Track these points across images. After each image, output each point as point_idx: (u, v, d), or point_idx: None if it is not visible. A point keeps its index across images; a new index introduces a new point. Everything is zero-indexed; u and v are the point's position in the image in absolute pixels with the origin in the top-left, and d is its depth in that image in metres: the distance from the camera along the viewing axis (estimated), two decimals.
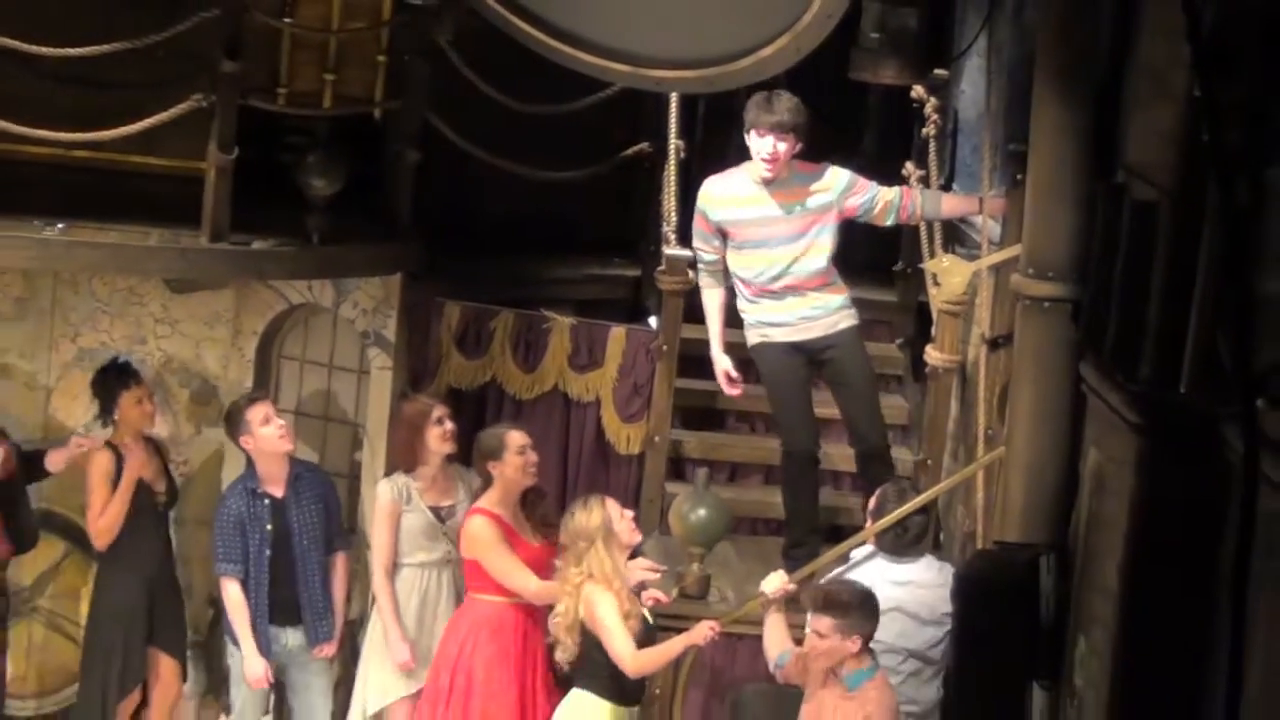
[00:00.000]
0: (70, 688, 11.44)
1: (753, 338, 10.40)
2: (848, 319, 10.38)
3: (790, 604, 9.64)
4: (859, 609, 9.04)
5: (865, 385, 10.52)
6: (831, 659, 9.09)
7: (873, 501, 10.02)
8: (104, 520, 10.95)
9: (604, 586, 9.74)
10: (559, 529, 10.11)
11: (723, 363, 10.55)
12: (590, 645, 9.77)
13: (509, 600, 10.35)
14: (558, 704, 9.98)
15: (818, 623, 9.08)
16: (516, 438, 10.46)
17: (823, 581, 9.47)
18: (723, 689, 10.35)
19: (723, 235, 10.32)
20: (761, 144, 10.13)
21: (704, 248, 10.42)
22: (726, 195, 10.30)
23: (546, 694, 10.25)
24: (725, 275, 10.42)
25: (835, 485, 11.25)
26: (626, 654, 9.70)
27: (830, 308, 10.32)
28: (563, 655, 9.88)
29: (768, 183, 10.20)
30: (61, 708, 11.57)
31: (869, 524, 9.92)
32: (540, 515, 10.53)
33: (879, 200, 10.25)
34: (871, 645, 9.23)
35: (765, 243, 10.23)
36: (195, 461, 11.60)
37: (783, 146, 10.08)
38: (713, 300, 10.50)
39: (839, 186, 10.23)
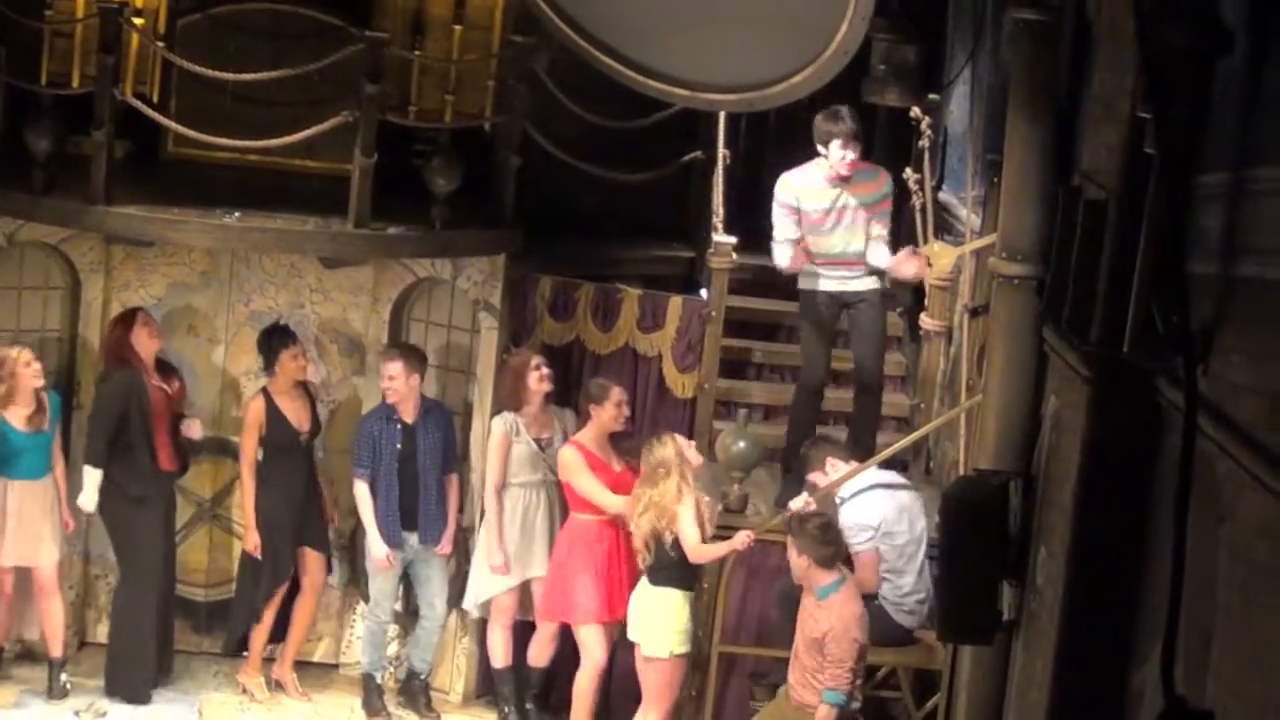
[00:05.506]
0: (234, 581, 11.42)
1: (804, 282, 10.33)
2: (877, 283, 10.31)
3: None
4: (810, 536, 9.08)
5: (876, 334, 10.46)
6: (796, 571, 9.13)
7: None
8: (245, 470, 10.99)
9: (685, 495, 9.86)
10: (638, 458, 10.20)
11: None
12: (664, 550, 9.86)
13: (599, 517, 10.44)
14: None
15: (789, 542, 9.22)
16: (618, 393, 10.54)
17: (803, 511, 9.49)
18: (760, 582, 10.38)
19: (799, 215, 10.22)
20: (840, 151, 10.05)
21: (787, 227, 10.21)
22: (805, 187, 10.18)
23: (630, 586, 10.29)
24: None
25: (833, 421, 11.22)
26: (694, 543, 9.79)
27: (866, 272, 10.26)
28: (642, 562, 10.00)
29: (843, 180, 10.17)
30: (226, 597, 11.50)
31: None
32: (624, 447, 10.58)
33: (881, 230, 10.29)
34: (899, 541, 9.31)
35: (835, 228, 10.18)
36: (341, 400, 11.63)
37: (855, 153, 10.07)
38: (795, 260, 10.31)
39: (887, 187, 10.24)
